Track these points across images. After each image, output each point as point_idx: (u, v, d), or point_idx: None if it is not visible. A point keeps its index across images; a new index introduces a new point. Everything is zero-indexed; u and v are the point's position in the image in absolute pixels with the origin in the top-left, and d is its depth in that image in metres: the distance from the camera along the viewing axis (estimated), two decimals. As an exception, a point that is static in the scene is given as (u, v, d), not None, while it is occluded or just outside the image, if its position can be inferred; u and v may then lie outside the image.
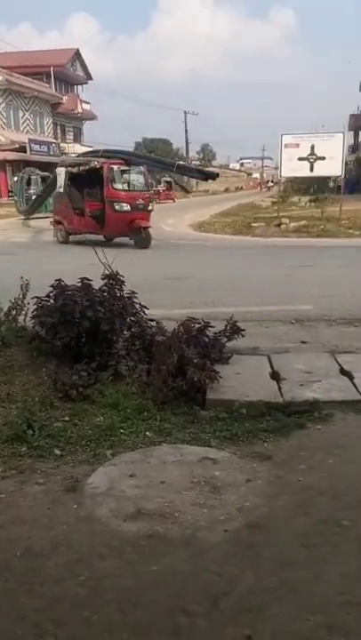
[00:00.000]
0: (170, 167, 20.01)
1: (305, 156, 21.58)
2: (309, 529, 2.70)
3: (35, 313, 4.84)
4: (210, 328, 4.79)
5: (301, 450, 3.51)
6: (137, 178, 16.77)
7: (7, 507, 2.94)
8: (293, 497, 2.99)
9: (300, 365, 4.86)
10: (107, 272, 4.97)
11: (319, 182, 38.86)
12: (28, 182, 27.98)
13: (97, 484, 3.14)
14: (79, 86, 54.36)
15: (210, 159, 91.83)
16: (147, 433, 3.74)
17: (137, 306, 4.91)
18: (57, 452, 3.48)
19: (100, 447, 3.54)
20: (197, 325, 4.70)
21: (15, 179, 29.91)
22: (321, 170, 22.47)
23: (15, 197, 28.75)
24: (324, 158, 21.35)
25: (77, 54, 51.83)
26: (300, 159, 21.76)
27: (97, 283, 4.88)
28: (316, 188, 39.88)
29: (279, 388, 4.36)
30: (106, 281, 4.88)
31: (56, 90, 47.48)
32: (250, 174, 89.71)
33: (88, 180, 16.24)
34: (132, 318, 4.85)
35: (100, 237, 16.01)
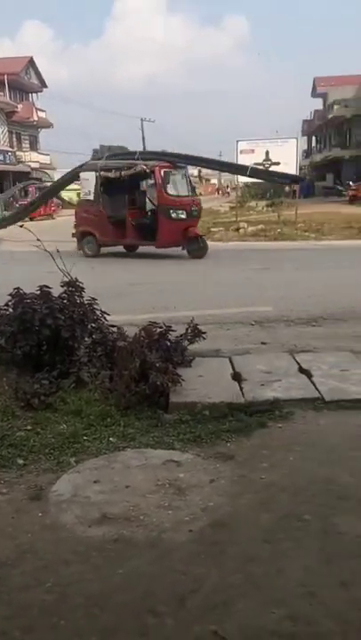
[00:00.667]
0: (240, 171, 18.23)
1: (260, 161, 21.87)
2: (272, 525, 2.76)
3: (-7, 322, 4.78)
4: (171, 332, 4.84)
5: (263, 448, 3.58)
6: (182, 182, 15.44)
7: (-30, 518, 2.91)
8: (256, 495, 3.04)
9: (260, 366, 4.95)
10: (66, 279, 4.96)
11: (275, 187, 39.46)
12: (25, 193, 27.57)
13: (61, 491, 3.13)
14: (34, 94, 53.85)
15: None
16: (110, 439, 3.74)
17: (98, 312, 4.91)
18: (20, 461, 3.46)
19: (63, 455, 3.53)
20: (159, 330, 4.74)
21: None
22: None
23: None
24: (278, 163, 21.69)
25: (31, 62, 51.36)
26: (255, 164, 22.07)
27: (57, 291, 4.86)
28: (272, 192, 40.46)
29: (241, 389, 4.43)
30: (65, 288, 4.87)
31: (10, 98, 46.91)
32: (208, 180, 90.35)
33: (127, 185, 14.95)
34: (94, 325, 4.85)
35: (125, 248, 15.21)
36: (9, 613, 2.24)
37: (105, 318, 4.93)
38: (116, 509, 2.93)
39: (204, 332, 5.19)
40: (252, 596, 2.27)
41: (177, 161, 15.48)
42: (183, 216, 14.30)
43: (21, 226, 6.16)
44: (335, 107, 51.85)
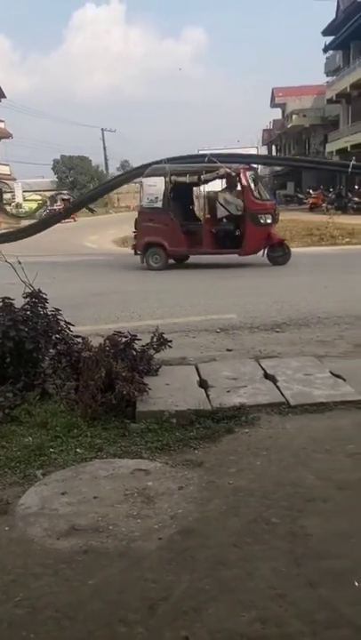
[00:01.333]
0: (341, 169, 16.90)
1: (222, 170, 22.10)
2: (241, 529, 2.78)
3: None
4: (137, 341, 4.83)
5: (231, 454, 3.61)
6: (260, 185, 14.64)
7: None
8: (225, 500, 3.07)
9: (226, 372, 4.99)
10: (28, 290, 4.91)
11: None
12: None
13: (28, 504, 3.10)
14: (-8, 104, 53.25)
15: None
16: (77, 450, 3.72)
17: (62, 323, 4.88)
18: (-15, 475, 3.41)
19: (29, 468, 3.49)
20: (124, 339, 4.74)
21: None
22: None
23: None
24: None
25: (-11, 72, 50.84)
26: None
27: (19, 302, 4.82)
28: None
29: (207, 396, 4.46)
30: (28, 299, 4.83)
31: (-32, 108, 46.31)
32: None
33: (189, 191, 14.21)
34: (58, 336, 4.81)
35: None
36: (-23, 630, 2.20)
37: (69, 329, 4.90)
38: (85, 520, 2.91)
39: (170, 341, 5.21)
40: (223, 600, 2.28)
41: (257, 162, 14.79)
42: (269, 221, 13.50)
43: None
44: (294, 117, 52.92)
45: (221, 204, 13.75)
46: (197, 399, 4.39)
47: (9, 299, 4.75)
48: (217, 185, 14.96)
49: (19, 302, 4.80)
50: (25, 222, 38.44)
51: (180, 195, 14.06)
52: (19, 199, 53.75)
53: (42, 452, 3.65)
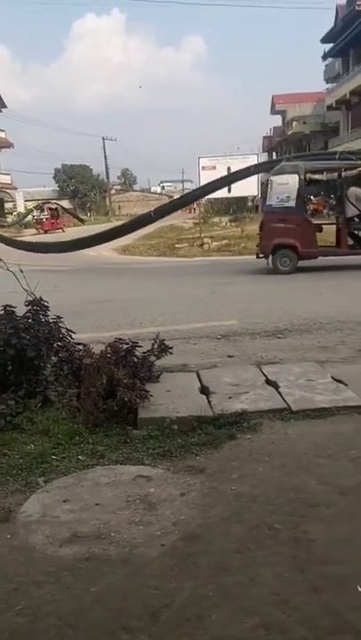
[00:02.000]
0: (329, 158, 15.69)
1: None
2: (243, 535, 2.77)
3: None
4: (138, 348, 4.83)
5: (233, 460, 3.60)
6: None
7: None
8: (227, 506, 3.05)
9: (227, 379, 4.99)
10: (30, 298, 4.92)
11: (238, 202, 40.03)
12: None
13: (30, 512, 3.09)
14: (-7, 114, 53.57)
15: (131, 183, 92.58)
16: (79, 457, 3.71)
17: (63, 330, 4.88)
18: (-13, 483, 3.40)
19: (31, 475, 3.49)
20: (125, 346, 4.74)
21: None
22: (238, 190, 23.22)
23: None
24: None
25: (-10, 82, 51.15)
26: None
27: (21, 310, 4.83)
28: (235, 207, 41.03)
29: (209, 402, 4.45)
30: (30, 307, 4.84)
31: (-31, 118, 46.59)
32: (171, 197, 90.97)
33: (324, 189, 13.69)
34: (59, 343, 4.82)
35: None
36: (-21, 639, 2.19)
37: (71, 336, 4.91)
38: (87, 528, 2.90)
39: (171, 347, 5.20)
40: (225, 606, 2.27)
41: None
42: None
43: None
44: (294, 123, 53.09)
45: (352, 203, 13.22)
46: (199, 405, 4.38)
47: (11, 307, 4.76)
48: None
49: (20, 310, 4.81)
50: (24, 232, 38.44)
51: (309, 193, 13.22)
52: (20, 208, 53.97)
53: (44, 460, 3.65)
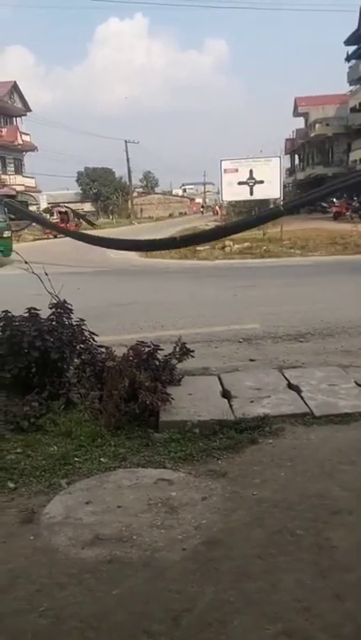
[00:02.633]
0: None
1: (244, 180, 22.18)
2: (265, 540, 2.76)
3: (-19, 346, 4.77)
4: (160, 351, 4.84)
5: (255, 465, 3.59)
6: None
7: None
8: (249, 511, 3.05)
9: (249, 383, 4.97)
10: (54, 301, 4.97)
11: (260, 205, 39.88)
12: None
13: (53, 513, 3.12)
14: (18, 118, 54.29)
15: (153, 186, 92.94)
16: (101, 459, 3.73)
17: (86, 333, 4.92)
18: (11, 484, 3.44)
19: (54, 477, 3.52)
20: (147, 349, 4.75)
21: None
22: (260, 193, 23.16)
23: None
24: (262, 182, 22.02)
25: (15, 87, 51.88)
26: (239, 183, 22.38)
27: (45, 312, 4.88)
28: (257, 210, 40.87)
29: (230, 406, 4.45)
30: (54, 310, 4.88)
31: (-6, 122, 47.26)
32: (192, 200, 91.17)
33: None
34: (82, 346, 4.85)
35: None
36: (2, 639, 2.22)
37: (93, 339, 4.94)
38: (109, 530, 2.92)
39: (193, 351, 5.20)
40: (247, 612, 2.26)
41: None
42: None
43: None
44: (317, 126, 52.74)
45: None
46: (220, 409, 4.38)
47: (35, 309, 4.82)
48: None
49: (45, 313, 4.86)
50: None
51: None
52: (43, 211, 54.41)
53: (66, 461, 3.68)
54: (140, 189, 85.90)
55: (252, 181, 22.20)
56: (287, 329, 7.42)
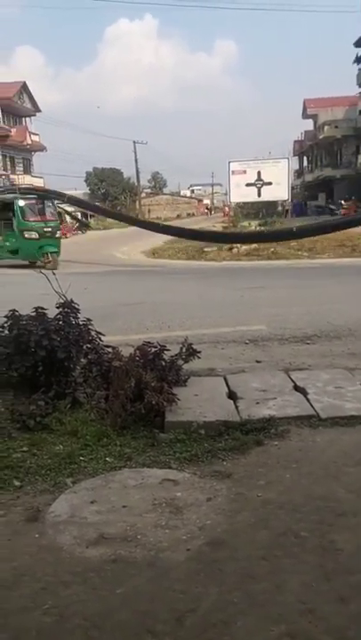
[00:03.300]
0: None
1: (252, 181, 22.17)
2: (270, 542, 2.76)
3: (-11, 344, 4.80)
4: (166, 351, 4.85)
5: (260, 466, 3.58)
6: None
7: (-33, 541, 2.90)
8: (254, 512, 3.04)
9: (255, 384, 4.97)
10: (61, 300, 4.99)
11: (267, 206, 39.86)
12: None
13: (58, 512, 3.13)
14: (27, 118, 54.47)
15: (161, 187, 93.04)
16: (107, 459, 3.74)
17: (93, 333, 4.93)
18: (16, 482, 3.45)
19: (60, 475, 3.53)
20: (154, 349, 4.76)
21: None
22: (268, 194, 23.18)
23: None
24: (270, 183, 22.04)
25: (24, 87, 52.00)
26: (247, 185, 22.39)
27: (52, 312, 4.90)
28: (264, 212, 40.86)
29: (236, 407, 4.44)
30: (61, 309, 4.90)
31: (4, 122, 47.45)
32: (200, 201, 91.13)
33: None
34: (89, 345, 4.87)
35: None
36: (6, 637, 2.22)
37: (100, 339, 4.95)
38: (114, 529, 2.92)
39: (199, 352, 5.21)
40: (252, 613, 2.26)
41: None
42: None
43: None
44: (326, 127, 52.57)
45: None
46: (226, 410, 4.38)
47: (42, 309, 4.83)
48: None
49: (52, 312, 4.87)
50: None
51: None
52: (51, 210, 54.47)
53: (72, 460, 3.69)
54: (149, 190, 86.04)
55: (260, 183, 22.23)
56: (294, 331, 7.41)
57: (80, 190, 75.41)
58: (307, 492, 3.24)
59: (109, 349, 4.82)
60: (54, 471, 3.58)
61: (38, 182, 52.67)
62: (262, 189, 22.36)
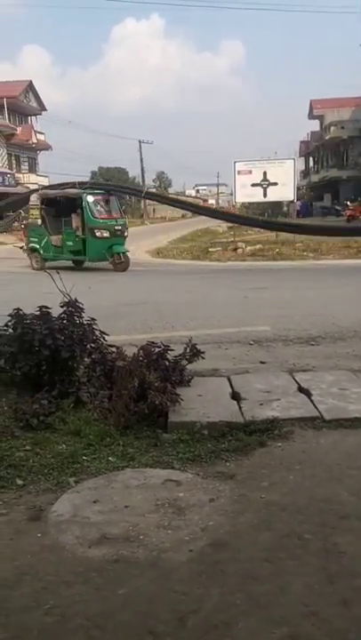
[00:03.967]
0: None
1: (258, 182, 22.09)
2: (273, 544, 2.75)
3: (-7, 343, 4.80)
4: (170, 351, 4.84)
5: (263, 467, 3.57)
6: None
7: (-31, 540, 2.90)
8: (256, 514, 3.03)
9: (259, 385, 4.95)
10: (65, 300, 4.99)
11: (273, 207, 39.82)
12: None
13: (61, 511, 3.12)
14: (33, 117, 54.57)
15: (166, 187, 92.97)
16: (110, 458, 3.74)
17: (97, 332, 4.93)
18: (19, 481, 3.45)
19: (62, 475, 3.53)
20: (157, 349, 4.75)
21: None
22: (274, 195, 23.05)
23: None
24: (276, 184, 21.91)
25: (30, 86, 52.10)
26: (253, 185, 22.28)
27: (56, 311, 4.89)
28: (270, 212, 40.82)
29: (240, 408, 4.43)
30: (65, 309, 4.90)
31: (10, 121, 47.53)
32: (205, 200, 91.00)
33: None
34: (93, 345, 4.86)
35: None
36: (8, 637, 2.22)
37: (104, 338, 4.95)
38: (116, 529, 2.92)
39: (203, 352, 5.20)
40: (254, 615, 2.25)
41: None
42: None
43: (21, 247, 6.14)
44: (332, 128, 52.52)
45: None
46: (230, 411, 4.37)
47: (46, 307, 4.83)
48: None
49: (56, 311, 4.87)
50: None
51: None
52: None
53: (75, 460, 3.69)
54: (154, 189, 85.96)
55: (265, 183, 22.08)
56: (298, 332, 7.39)
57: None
58: (310, 494, 3.22)
59: (113, 349, 4.82)
60: (57, 470, 3.57)
61: (43, 181, 52.76)
62: (268, 190, 22.21)
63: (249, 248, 21.20)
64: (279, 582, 2.45)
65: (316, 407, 4.42)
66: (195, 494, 3.26)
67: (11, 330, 4.76)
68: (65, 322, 4.80)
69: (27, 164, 51.97)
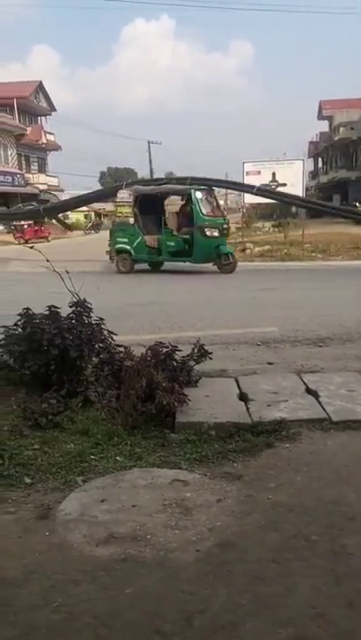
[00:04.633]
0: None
1: (267, 182, 22.04)
2: (280, 545, 2.75)
3: (2, 342, 4.83)
4: (178, 352, 4.85)
5: (270, 468, 3.57)
6: None
7: (-22, 537, 2.92)
8: (264, 515, 3.04)
9: (267, 386, 4.95)
10: (74, 300, 5.00)
11: (282, 208, 39.70)
12: None
13: (68, 510, 3.14)
14: (43, 117, 54.78)
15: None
16: (117, 458, 3.75)
17: (105, 332, 4.94)
18: (27, 480, 3.47)
19: (70, 474, 3.54)
20: (165, 350, 4.76)
21: None
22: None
23: None
24: (285, 185, 21.84)
25: (40, 86, 52.31)
26: (262, 185, 22.23)
27: (65, 311, 4.91)
28: (278, 213, 40.70)
29: (247, 409, 4.43)
30: (73, 308, 4.92)
31: (20, 121, 47.73)
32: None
33: None
34: (101, 344, 4.88)
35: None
36: (16, 634, 2.24)
37: (112, 338, 4.96)
38: (124, 529, 2.93)
39: (211, 353, 5.20)
40: (260, 615, 2.26)
41: None
42: None
43: (32, 247, 6.17)
44: (341, 129, 52.34)
45: None
46: (237, 412, 4.37)
47: (55, 307, 4.85)
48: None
49: (65, 311, 4.89)
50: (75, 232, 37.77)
51: None
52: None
53: (83, 459, 3.70)
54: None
55: (274, 184, 22.04)
56: (306, 333, 7.38)
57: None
58: (317, 495, 3.22)
59: (121, 349, 4.83)
60: (65, 469, 3.59)
61: (53, 181, 53.00)
62: (277, 190, 22.20)
63: (257, 249, 21.18)
64: (286, 583, 2.45)
65: (323, 409, 4.41)
66: (202, 494, 3.26)
67: (20, 329, 4.79)
68: (73, 321, 4.82)
69: (36, 164, 52.19)
